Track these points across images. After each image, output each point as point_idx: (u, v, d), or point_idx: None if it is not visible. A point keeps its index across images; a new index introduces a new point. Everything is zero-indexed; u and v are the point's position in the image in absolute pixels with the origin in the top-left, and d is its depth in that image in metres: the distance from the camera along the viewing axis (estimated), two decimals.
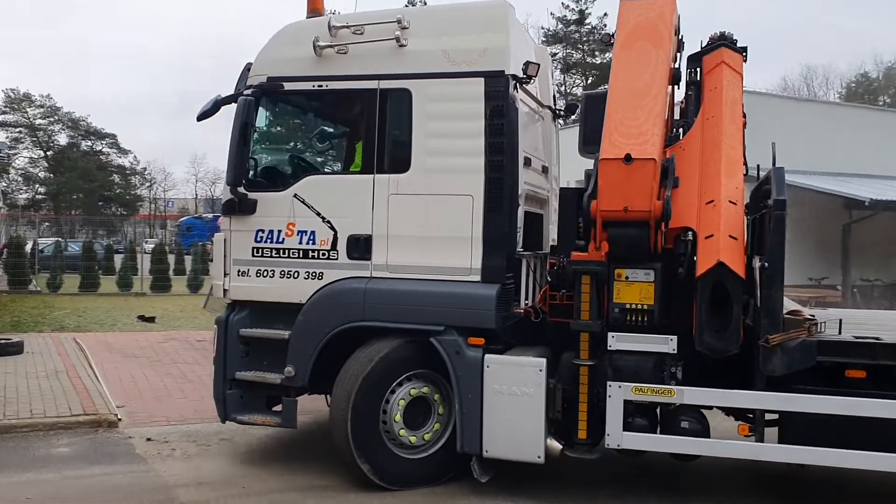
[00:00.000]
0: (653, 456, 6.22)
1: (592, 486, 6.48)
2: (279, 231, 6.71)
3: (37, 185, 63.47)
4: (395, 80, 6.47)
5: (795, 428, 5.64)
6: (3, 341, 11.78)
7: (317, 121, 7.49)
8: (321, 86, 6.68)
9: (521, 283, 6.48)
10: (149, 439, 7.74)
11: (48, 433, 7.87)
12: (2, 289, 23.38)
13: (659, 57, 6.57)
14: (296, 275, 6.66)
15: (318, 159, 7.03)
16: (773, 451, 5.64)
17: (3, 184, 59.03)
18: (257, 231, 6.77)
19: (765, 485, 6.61)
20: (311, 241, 6.63)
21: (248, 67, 6.94)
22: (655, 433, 5.96)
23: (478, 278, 6.25)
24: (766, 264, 5.53)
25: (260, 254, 6.77)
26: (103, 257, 28.55)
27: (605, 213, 5.84)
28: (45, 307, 19.66)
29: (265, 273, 6.77)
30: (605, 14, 52.57)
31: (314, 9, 7.00)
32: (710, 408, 6.04)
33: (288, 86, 6.75)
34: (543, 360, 6.06)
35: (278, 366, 6.62)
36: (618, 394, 5.84)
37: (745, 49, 7.55)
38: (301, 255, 6.65)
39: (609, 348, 5.92)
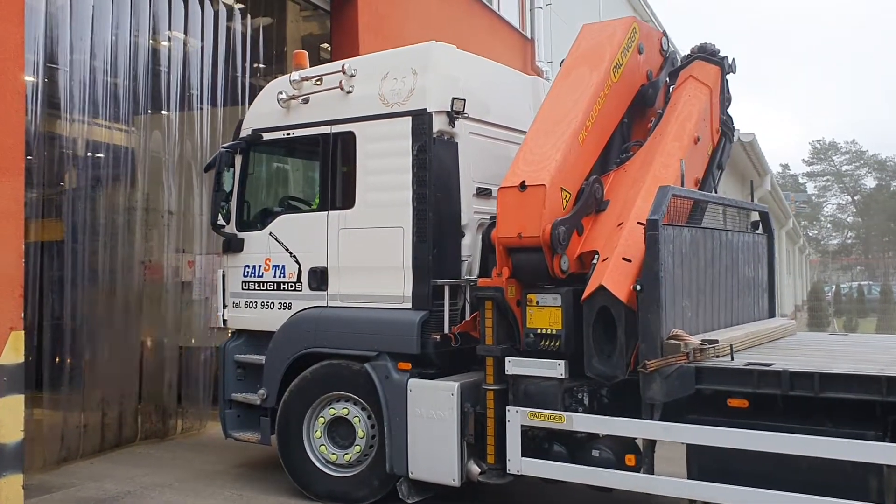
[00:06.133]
0: None
1: None
2: (260, 266, 7.47)
3: (846, 230, 65.52)
4: (343, 125, 7.00)
5: (695, 460, 5.32)
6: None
7: (289, 165, 8.21)
8: (289, 134, 7.38)
9: (452, 309, 6.62)
10: None
11: None
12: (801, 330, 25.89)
13: (591, 80, 6.53)
14: (272, 305, 7.37)
15: (290, 200, 7.74)
16: (663, 484, 5.34)
17: (814, 231, 61.97)
18: (245, 266, 7.59)
19: None
20: (282, 275, 7.31)
21: (240, 122, 7.85)
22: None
23: (409, 305, 6.56)
24: (639, 287, 5.32)
25: (247, 287, 7.57)
26: None
27: (503, 240, 5.95)
28: None
29: (251, 304, 7.55)
30: None
31: (298, 64, 7.72)
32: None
33: (266, 136, 7.53)
34: (456, 384, 6.21)
35: None
36: (515, 418, 5.85)
37: (723, 59, 7.21)
38: (275, 288, 7.35)
39: (507, 373, 5.95)
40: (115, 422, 9.02)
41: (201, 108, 9.94)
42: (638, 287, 5.33)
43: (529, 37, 17.60)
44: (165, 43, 9.62)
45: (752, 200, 8.03)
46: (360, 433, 6.65)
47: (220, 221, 7.58)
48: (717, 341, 5.45)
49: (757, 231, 7.36)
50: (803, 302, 35.49)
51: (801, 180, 64.18)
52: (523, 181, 5.87)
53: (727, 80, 7.27)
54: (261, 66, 10.99)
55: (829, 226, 64.68)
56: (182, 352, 9.91)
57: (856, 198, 62.13)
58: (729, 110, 7.34)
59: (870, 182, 61.67)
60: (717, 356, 5.38)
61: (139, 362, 9.42)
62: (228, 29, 10.12)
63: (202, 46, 9.81)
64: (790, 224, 28.48)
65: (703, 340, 5.40)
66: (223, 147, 7.54)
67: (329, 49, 11.80)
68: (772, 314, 7.49)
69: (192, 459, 8.55)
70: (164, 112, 9.59)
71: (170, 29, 9.51)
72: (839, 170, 61.95)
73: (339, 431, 6.78)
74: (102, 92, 8.69)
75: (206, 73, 9.85)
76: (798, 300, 36.64)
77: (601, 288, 5.46)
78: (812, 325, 26.93)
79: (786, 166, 61.86)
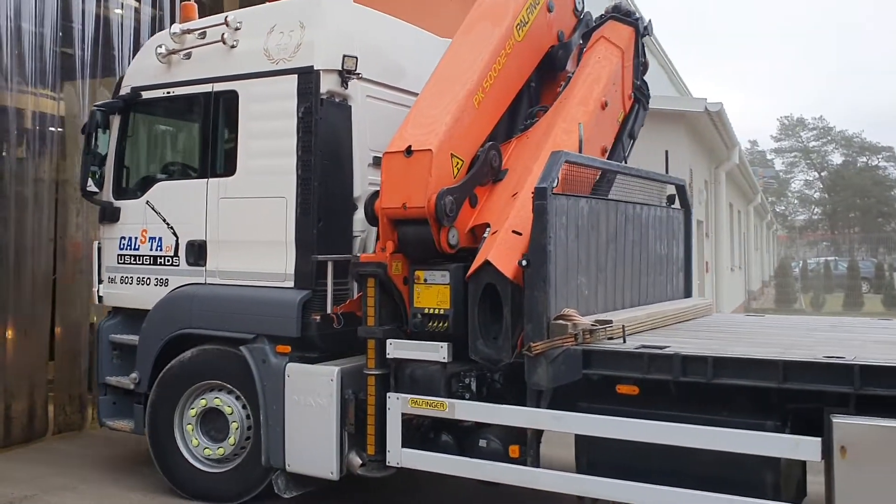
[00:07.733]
0: None
1: None
2: (136, 238, 6.82)
3: (813, 206, 64.27)
4: (225, 83, 6.36)
5: (584, 452, 4.85)
6: None
7: (170, 127, 7.55)
8: (169, 92, 6.72)
9: (342, 290, 6.06)
10: None
11: None
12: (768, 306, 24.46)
13: (493, 36, 5.97)
14: (148, 281, 6.74)
15: (170, 166, 7.11)
16: (549, 478, 4.85)
17: (781, 207, 61.38)
18: (120, 238, 6.93)
19: None
20: (158, 248, 6.68)
21: (120, 79, 7.17)
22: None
23: (292, 284, 5.98)
24: (525, 262, 4.81)
25: (123, 261, 6.92)
26: (873, 276, 27.86)
27: (386, 210, 5.40)
28: None
29: (126, 280, 6.90)
30: None
31: (186, 17, 7.03)
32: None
33: (145, 94, 6.85)
34: (336, 369, 5.66)
35: None
36: (396, 405, 5.32)
37: (638, 21, 6.73)
38: (152, 262, 6.71)
39: (388, 356, 5.42)
40: (22, 414, 8.15)
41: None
42: (524, 262, 4.82)
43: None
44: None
45: (667, 172, 7.58)
46: (233, 425, 6.06)
47: (92, 188, 6.89)
48: (610, 322, 4.96)
49: (672, 205, 6.91)
50: (770, 278, 35.69)
51: (768, 156, 64.82)
52: (409, 146, 5.32)
53: (643, 44, 6.81)
54: None
55: (795, 202, 65.35)
56: (93, 331, 9.06)
57: (823, 174, 62.49)
58: (645, 77, 6.88)
59: (836, 158, 61.98)
60: (610, 338, 4.90)
61: (49, 348, 8.54)
62: None
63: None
64: (758, 199, 28.30)
65: (595, 321, 4.91)
66: (96, 105, 6.87)
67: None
68: (688, 293, 7.09)
69: (104, 455, 7.68)
70: (78, 80, 8.74)
71: None
72: (806, 146, 62.10)
73: (214, 424, 6.17)
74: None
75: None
76: (766, 276, 36.88)
77: (486, 263, 4.95)
78: (779, 302, 26.92)
79: (754, 142, 62.19)
